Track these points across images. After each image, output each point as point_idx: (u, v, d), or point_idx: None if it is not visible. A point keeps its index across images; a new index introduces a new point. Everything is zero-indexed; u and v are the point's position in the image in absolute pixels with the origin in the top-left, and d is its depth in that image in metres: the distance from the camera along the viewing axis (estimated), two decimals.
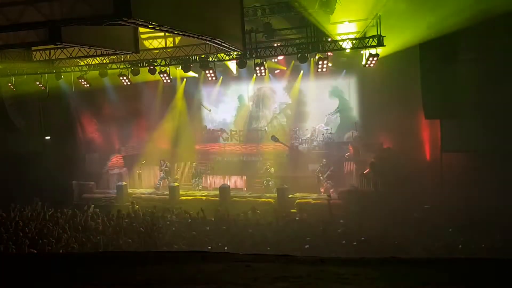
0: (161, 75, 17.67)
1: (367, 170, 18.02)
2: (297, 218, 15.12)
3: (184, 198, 19.05)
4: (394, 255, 4.24)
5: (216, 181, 20.80)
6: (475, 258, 4.33)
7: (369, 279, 3.43)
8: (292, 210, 16.98)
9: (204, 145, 22.56)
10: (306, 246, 12.32)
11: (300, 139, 21.24)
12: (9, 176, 18.95)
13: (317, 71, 16.69)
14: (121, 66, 17.87)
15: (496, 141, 15.24)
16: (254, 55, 16.00)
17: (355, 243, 12.32)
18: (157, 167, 21.24)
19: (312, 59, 17.27)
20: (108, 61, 17.69)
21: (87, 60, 17.62)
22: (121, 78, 18.32)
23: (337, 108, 20.94)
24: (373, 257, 4.13)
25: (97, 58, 17.00)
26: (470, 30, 14.18)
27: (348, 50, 15.68)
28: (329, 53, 16.23)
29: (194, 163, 21.18)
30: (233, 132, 22.49)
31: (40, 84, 19.48)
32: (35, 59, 15.78)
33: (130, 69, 17.79)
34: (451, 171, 16.41)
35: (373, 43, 14.69)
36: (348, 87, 20.65)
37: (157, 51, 16.57)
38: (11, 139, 20.22)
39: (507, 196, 13.65)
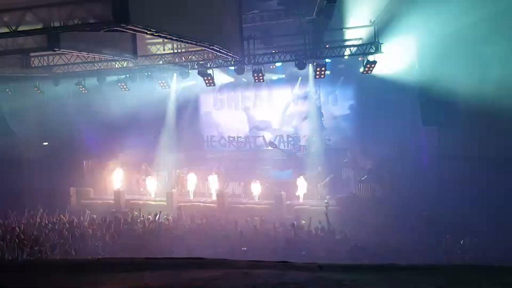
0: (159, 81, 17.70)
1: (365, 176, 18.02)
2: (294, 224, 15.08)
3: (182, 204, 18.97)
4: (392, 262, 4.23)
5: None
6: (473, 264, 4.32)
7: (368, 285, 3.42)
8: (290, 217, 16.93)
9: (202, 151, 22.51)
10: (303, 252, 12.28)
11: (298, 145, 21.24)
12: (7, 182, 18.87)
13: (315, 77, 16.73)
14: (120, 72, 17.87)
15: (493, 148, 15.25)
16: (252, 62, 16.04)
17: (352, 249, 12.30)
18: (155, 173, 21.17)
19: (310, 65, 17.32)
20: (106, 67, 17.71)
21: (85, 66, 17.63)
22: (119, 84, 18.32)
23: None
24: (371, 263, 4.12)
25: (95, 64, 17.02)
26: (469, 36, 14.24)
27: (346, 57, 15.74)
28: (327, 60, 16.28)
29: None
30: (231, 138, 22.48)
31: (38, 90, 19.47)
32: (33, 65, 15.77)
33: (128, 75, 17.78)
34: (449, 177, 16.41)
35: (371, 50, 14.75)
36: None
37: (156, 57, 16.60)
38: (9, 145, 20.16)
39: (506, 202, 13.66)
